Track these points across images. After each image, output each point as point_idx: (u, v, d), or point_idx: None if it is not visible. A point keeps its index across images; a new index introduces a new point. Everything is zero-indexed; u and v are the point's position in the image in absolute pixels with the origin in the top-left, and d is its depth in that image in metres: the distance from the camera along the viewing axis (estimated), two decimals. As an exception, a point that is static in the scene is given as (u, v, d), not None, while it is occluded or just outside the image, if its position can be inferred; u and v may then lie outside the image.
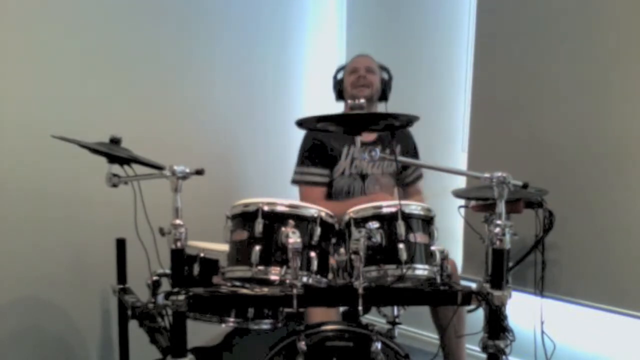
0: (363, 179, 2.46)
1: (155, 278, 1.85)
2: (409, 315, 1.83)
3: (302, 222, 1.60)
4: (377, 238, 1.57)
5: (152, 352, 1.89)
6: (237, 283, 1.66)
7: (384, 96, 2.51)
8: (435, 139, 2.73)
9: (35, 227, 2.22)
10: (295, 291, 1.55)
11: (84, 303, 2.38)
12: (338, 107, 2.58)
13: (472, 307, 1.67)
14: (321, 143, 2.42)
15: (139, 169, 1.80)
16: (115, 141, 1.89)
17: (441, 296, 1.69)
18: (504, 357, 1.57)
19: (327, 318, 1.84)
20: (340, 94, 2.53)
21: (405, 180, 2.59)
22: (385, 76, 2.53)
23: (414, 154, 2.59)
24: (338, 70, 2.58)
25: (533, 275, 2.02)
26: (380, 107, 2.52)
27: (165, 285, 1.72)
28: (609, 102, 2.29)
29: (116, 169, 1.82)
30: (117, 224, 2.03)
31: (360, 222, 1.61)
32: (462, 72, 2.83)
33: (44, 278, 2.25)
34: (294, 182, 2.46)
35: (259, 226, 1.57)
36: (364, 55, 2.55)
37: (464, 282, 2.20)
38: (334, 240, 1.68)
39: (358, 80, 2.43)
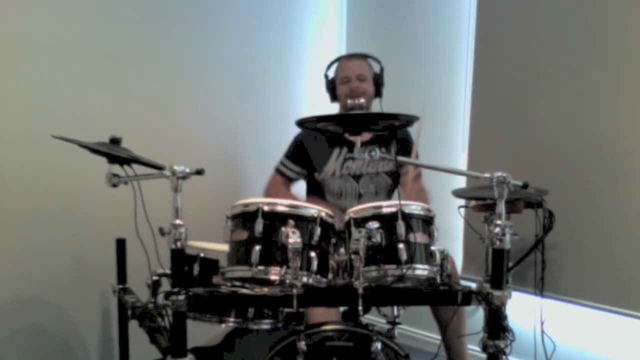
0: (357, 179, 2.45)
1: (155, 278, 1.85)
2: (409, 315, 1.83)
3: (302, 222, 1.60)
4: (377, 238, 1.57)
5: (152, 352, 1.89)
6: (237, 283, 1.66)
7: (377, 92, 2.49)
8: (435, 139, 2.72)
9: (35, 228, 2.22)
10: (295, 291, 1.55)
11: (84, 303, 2.38)
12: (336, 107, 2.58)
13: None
14: (310, 144, 2.47)
15: (139, 169, 1.80)
16: (115, 141, 1.89)
17: (441, 296, 1.69)
18: (504, 357, 1.58)
19: (327, 318, 1.84)
20: (334, 95, 2.52)
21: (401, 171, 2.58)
22: (377, 70, 2.49)
23: (411, 148, 2.53)
24: (328, 67, 2.53)
25: (533, 275, 2.02)
26: (375, 103, 2.49)
27: (165, 285, 1.72)
28: (609, 102, 2.28)
29: (116, 169, 1.82)
30: (117, 224, 2.03)
31: (360, 222, 1.61)
32: (462, 72, 2.83)
33: (44, 278, 2.25)
34: (275, 169, 2.56)
35: (259, 226, 1.57)
36: (353, 57, 2.51)
37: (463, 282, 2.20)
38: (334, 240, 1.68)
39: (351, 91, 2.40)
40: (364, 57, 2.51)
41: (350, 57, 2.54)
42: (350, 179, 2.44)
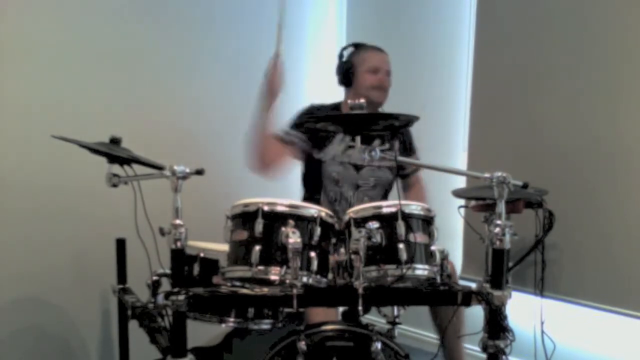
0: (357, 169, 2.42)
1: (155, 278, 1.85)
2: (409, 315, 1.83)
3: (302, 222, 1.60)
4: (377, 238, 1.57)
5: (152, 352, 1.89)
6: (237, 283, 1.66)
7: None
8: (435, 139, 2.73)
9: (35, 227, 2.22)
10: (295, 291, 1.55)
11: (84, 303, 2.38)
12: (338, 96, 2.51)
13: None
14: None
15: (139, 169, 1.80)
16: (115, 141, 1.89)
17: (441, 296, 1.69)
18: (504, 357, 1.58)
19: (326, 318, 1.84)
20: (347, 80, 2.39)
21: (404, 172, 2.56)
22: None
23: (411, 148, 2.53)
24: (344, 49, 2.44)
25: (533, 275, 2.02)
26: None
27: (165, 285, 1.72)
28: (609, 102, 2.28)
29: (116, 169, 1.83)
30: (117, 223, 2.04)
31: (360, 222, 1.61)
32: (462, 72, 2.83)
33: (44, 278, 2.25)
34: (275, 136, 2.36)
35: (259, 226, 1.57)
36: (383, 52, 2.42)
37: (463, 282, 2.20)
38: (334, 240, 1.68)
39: (380, 83, 2.34)
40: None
41: (379, 50, 2.43)
42: (350, 167, 2.41)
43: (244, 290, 1.66)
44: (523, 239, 1.81)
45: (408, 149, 2.52)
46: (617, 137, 2.27)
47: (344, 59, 2.42)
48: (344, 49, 2.47)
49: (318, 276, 1.61)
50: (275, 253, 1.57)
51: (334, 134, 2.37)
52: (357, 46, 2.46)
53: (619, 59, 2.25)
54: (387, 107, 2.43)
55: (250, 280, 1.63)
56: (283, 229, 1.56)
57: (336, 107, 2.44)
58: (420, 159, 2.55)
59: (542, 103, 2.46)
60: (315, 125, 1.68)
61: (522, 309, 1.98)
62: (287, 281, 1.55)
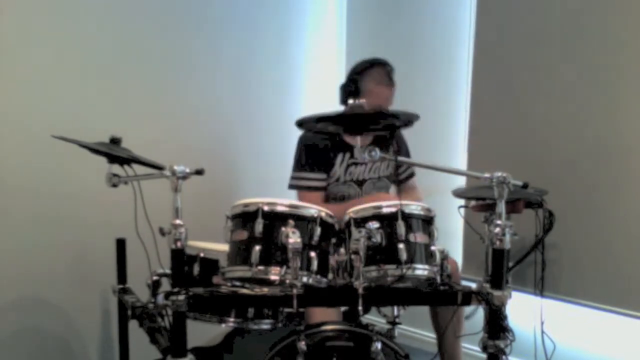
0: (360, 185, 2.43)
1: (155, 278, 1.85)
2: (409, 315, 1.83)
3: (302, 222, 1.60)
4: (377, 238, 1.57)
5: (152, 352, 1.89)
6: (237, 283, 1.66)
7: None
8: (435, 139, 2.73)
9: (35, 227, 2.22)
10: (295, 291, 1.55)
11: (84, 303, 2.38)
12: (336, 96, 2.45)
13: (468, 313, 1.67)
14: (317, 147, 2.35)
15: (139, 169, 1.80)
16: (115, 141, 1.89)
17: (441, 296, 1.70)
18: (504, 357, 1.58)
19: (326, 318, 1.84)
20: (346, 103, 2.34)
21: (399, 177, 2.57)
22: None
23: (406, 153, 2.56)
24: (358, 73, 2.34)
25: (533, 275, 2.02)
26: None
27: (165, 285, 1.72)
28: (609, 102, 2.28)
29: (116, 169, 1.82)
30: (117, 224, 2.04)
31: (360, 222, 1.61)
32: (462, 72, 2.83)
33: (44, 278, 2.25)
34: (291, 187, 2.40)
35: (259, 226, 1.57)
36: (392, 84, 2.35)
37: (464, 282, 2.20)
38: (334, 240, 1.68)
39: None
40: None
41: (390, 82, 2.35)
42: (353, 184, 2.42)
43: (244, 290, 1.66)
44: (523, 239, 1.82)
45: (404, 154, 2.53)
46: (617, 137, 2.27)
47: (353, 80, 2.33)
48: (357, 68, 2.37)
49: (318, 276, 1.61)
50: (275, 253, 1.57)
51: (334, 157, 2.36)
52: (370, 68, 2.35)
53: (619, 59, 2.25)
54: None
55: (250, 280, 1.63)
56: (283, 229, 1.57)
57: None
58: (414, 166, 2.58)
59: (542, 103, 2.46)
60: (315, 126, 1.68)
61: (522, 309, 1.98)
62: (287, 281, 1.55)
